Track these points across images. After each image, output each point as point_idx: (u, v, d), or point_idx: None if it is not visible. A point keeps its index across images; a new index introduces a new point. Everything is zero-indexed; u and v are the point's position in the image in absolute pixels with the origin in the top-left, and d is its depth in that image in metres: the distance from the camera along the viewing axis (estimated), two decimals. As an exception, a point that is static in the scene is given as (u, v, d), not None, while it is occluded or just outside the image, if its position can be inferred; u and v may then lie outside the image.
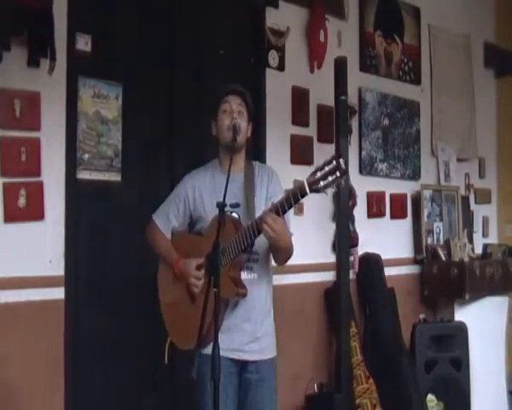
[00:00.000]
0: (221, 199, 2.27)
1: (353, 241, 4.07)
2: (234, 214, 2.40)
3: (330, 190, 2.07)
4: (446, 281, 4.39)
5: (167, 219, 2.51)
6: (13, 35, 2.64)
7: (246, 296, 2.35)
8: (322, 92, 3.93)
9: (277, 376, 2.55)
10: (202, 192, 2.44)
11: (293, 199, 2.11)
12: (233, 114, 2.41)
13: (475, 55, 5.38)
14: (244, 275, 2.39)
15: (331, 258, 3.95)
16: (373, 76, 4.45)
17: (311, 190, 2.05)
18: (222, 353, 2.22)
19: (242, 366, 2.43)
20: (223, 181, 2.30)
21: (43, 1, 2.72)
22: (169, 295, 2.52)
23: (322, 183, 2.02)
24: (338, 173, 2.00)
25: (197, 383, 2.18)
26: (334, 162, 2.00)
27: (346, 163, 2.00)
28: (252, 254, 2.41)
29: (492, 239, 5.41)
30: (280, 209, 2.16)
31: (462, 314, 4.35)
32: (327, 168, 2.01)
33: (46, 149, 2.81)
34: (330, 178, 2.01)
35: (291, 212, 2.43)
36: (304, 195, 2.08)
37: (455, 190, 4.96)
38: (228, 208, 2.32)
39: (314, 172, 2.04)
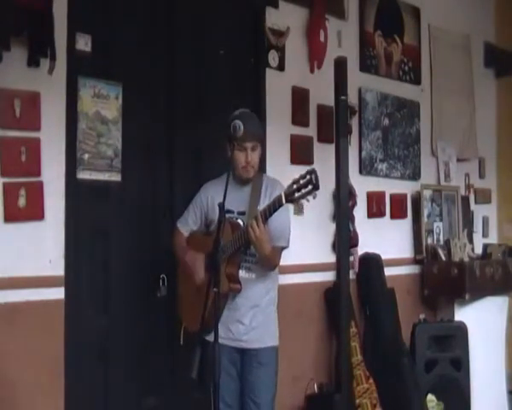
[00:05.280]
0: (230, 207, 2.61)
1: (353, 241, 4.07)
2: (239, 221, 2.67)
3: (305, 202, 2.32)
4: (446, 281, 4.39)
5: (187, 224, 2.88)
6: (13, 35, 2.63)
7: (240, 292, 2.63)
8: (322, 92, 3.93)
9: (279, 371, 2.75)
10: (215, 201, 2.63)
11: (273, 208, 2.42)
12: (248, 158, 2.66)
13: (475, 55, 5.37)
14: (242, 274, 2.67)
15: (331, 258, 3.95)
16: (373, 76, 4.45)
17: (287, 201, 2.35)
18: (223, 341, 2.50)
19: (243, 352, 2.68)
20: (234, 191, 2.63)
21: (43, 1, 2.71)
22: (182, 286, 2.87)
23: (296, 194, 2.29)
24: (310, 187, 2.25)
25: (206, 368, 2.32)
26: (308, 176, 2.25)
27: (317, 178, 2.24)
28: (250, 256, 2.66)
29: (492, 239, 5.40)
30: (262, 216, 2.45)
31: (462, 314, 4.35)
32: (302, 181, 2.27)
33: (46, 149, 2.81)
34: (304, 191, 2.27)
35: (290, 221, 2.77)
36: (281, 205, 2.38)
37: (455, 190, 4.96)
38: (235, 215, 2.68)
39: (291, 185, 2.31)
